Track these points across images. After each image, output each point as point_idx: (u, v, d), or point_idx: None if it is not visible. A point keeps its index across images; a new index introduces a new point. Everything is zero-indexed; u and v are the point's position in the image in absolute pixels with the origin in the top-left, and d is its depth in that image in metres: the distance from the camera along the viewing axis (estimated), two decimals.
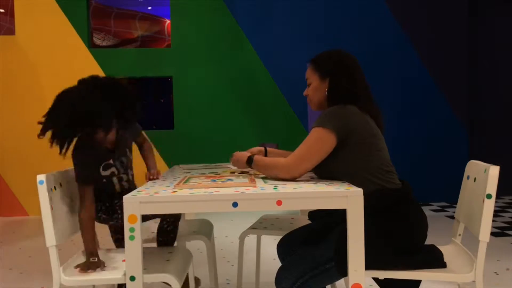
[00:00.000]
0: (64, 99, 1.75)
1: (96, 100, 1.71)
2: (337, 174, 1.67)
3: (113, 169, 1.95)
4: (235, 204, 1.43)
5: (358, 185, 1.50)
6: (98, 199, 1.88)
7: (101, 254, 1.86)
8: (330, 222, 1.75)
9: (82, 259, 1.78)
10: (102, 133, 1.78)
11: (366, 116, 1.68)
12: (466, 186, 1.79)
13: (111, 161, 1.93)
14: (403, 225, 1.58)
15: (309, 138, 1.65)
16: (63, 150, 1.72)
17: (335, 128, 1.61)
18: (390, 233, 1.55)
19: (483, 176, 1.56)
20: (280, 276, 1.57)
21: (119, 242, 2.06)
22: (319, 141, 1.63)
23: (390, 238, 1.55)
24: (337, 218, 1.66)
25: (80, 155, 1.79)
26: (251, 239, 2.49)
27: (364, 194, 1.43)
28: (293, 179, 1.68)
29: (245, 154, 1.88)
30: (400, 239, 1.57)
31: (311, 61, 1.84)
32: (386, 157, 1.69)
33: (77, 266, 1.70)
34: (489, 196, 1.50)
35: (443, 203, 5.20)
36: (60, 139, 1.73)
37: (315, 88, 1.80)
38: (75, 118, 1.68)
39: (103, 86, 1.79)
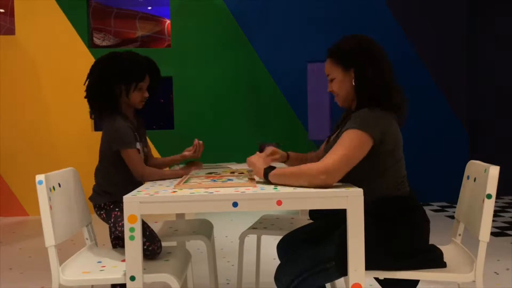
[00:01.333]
0: (103, 60, 2.02)
1: (130, 58, 1.98)
2: (348, 180, 1.57)
3: (139, 146, 2.00)
4: (235, 204, 1.43)
5: (369, 192, 1.44)
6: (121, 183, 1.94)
7: (101, 254, 1.86)
8: (330, 222, 1.75)
9: (82, 258, 1.78)
10: (133, 94, 1.97)
11: (395, 122, 1.60)
12: (466, 186, 1.79)
13: (137, 137, 2.00)
14: (405, 232, 1.56)
15: (349, 140, 1.49)
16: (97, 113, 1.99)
17: (374, 134, 1.50)
18: (392, 238, 1.55)
19: (483, 176, 1.56)
20: (280, 273, 1.57)
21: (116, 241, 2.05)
22: (360, 145, 1.49)
23: (391, 244, 1.54)
24: (337, 218, 1.66)
25: (119, 120, 1.92)
26: (251, 239, 2.49)
27: (373, 201, 1.43)
28: (329, 186, 1.48)
29: (262, 165, 1.67)
30: (402, 245, 1.56)
31: (329, 54, 1.70)
32: (403, 165, 1.64)
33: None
34: (489, 196, 1.50)
35: (443, 203, 5.20)
36: (97, 96, 1.96)
37: (340, 82, 1.67)
38: (115, 70, 1.94)
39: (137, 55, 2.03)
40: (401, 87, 1.66)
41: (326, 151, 1.71)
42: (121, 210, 1.88)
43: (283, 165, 1.97)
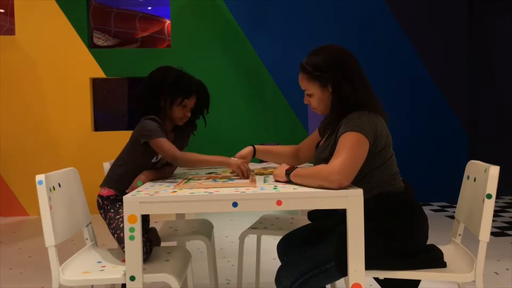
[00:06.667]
0: (160, 71, 2.06)
1: (182, 74, 2.04)
2: None
3: (160, 156, 2.01)
4: (235, 204, 1.43)
5: (364, 190, 1.45)
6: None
7: (101, 254, 1.86)
8: (330, 222, 1.75)
9: (82, 259, 1.78)
10: (176, 108, 1.99)
11: (382, 120, 1.63)
12: (466, 186, 1.79)
13: None
14: (404, 229, 1.57)
15: (349, 142, 1.51)
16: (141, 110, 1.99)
17: (368, 135, 1.53)
18: (390, 237, 1.55)
19: (483, 176, 1.56)
20: (280, 275, 1.57)
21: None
22: (360, 145, 1.51)
23: (390, 242, 1.55)
24: (337, 218, 1.67)
25: (153, 120, 1.93)
26: (251, 239, 2.49)
27: (367, 198, 1.43)
28: (343, 187, 1.46)
29: (284, 167, 1.68)
30: (401, 242, 1.56)
31: (303, 70, 1.69)
32: (395, 162, 1.67)
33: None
34: (489, 196, 1.50)
35: (443, 203, 5.20)
36: (145, 99, 1.99)
37: (319, 98, 1.68)
38: (167, 81, 1.98)
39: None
40: (373, 91, 1.68)
41: (316, 158, 1.73)
42: (115, 212, 1.91)
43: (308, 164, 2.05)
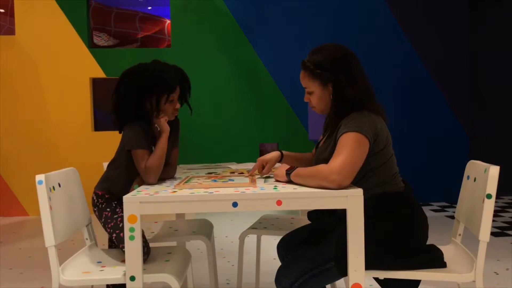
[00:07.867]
0: (136, 69, 1.99)
1: (160, 69, 1.95)
2: None
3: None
4: (235, 204, 1.43)
5: (364, 190, 1.46)
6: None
7: (101, 254, 1.86)
8: (330, 222, 1.75)
9: (82, 258, 1.79)
10: (164, 106, 1.91)
11: (382, 120, 1.63)
12: (466, 186, 1.79)
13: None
14: (404, 228, 1.57)
15: (349, 142, 1.51)
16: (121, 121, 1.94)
17: (368, 135, 1.53)
18: (390, 237, 1.55)
19: (483, 176, 1.56)
20: (280, 276, 1.57)
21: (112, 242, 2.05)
22: (359, 145, 1.51)
23: (390, 242, 1.55)
24: (337, 218, 1.67)
25: (137, 126, 1.88)
26: (251, 239, 2.49)
27: (367, 198, 1.43)
28: (343, 187, 1.46)
29: (284, 167, 1.70)
30: (401, 242, 1.56)
31: (305, 68, 1.69)
32: (394, 161, 1.67)
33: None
34: (489, 196, 1.50)
35: (443, 203, 5.20)
36: (126, 104, 1.91)
37: (319, 97, 1.68)
38: (146, 81, 1.90)
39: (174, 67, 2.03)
40: (373, 90, 1.68)
41: (316, 158, 1.72)
42: (112, 211, 1.90)
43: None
